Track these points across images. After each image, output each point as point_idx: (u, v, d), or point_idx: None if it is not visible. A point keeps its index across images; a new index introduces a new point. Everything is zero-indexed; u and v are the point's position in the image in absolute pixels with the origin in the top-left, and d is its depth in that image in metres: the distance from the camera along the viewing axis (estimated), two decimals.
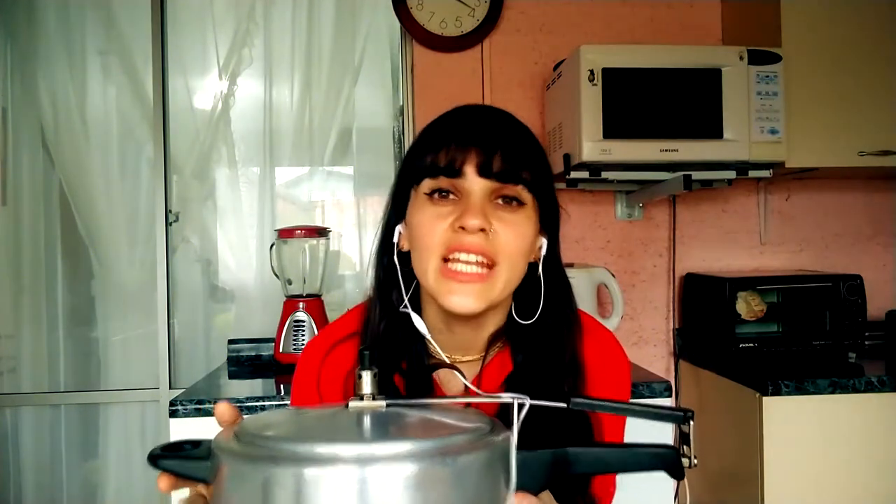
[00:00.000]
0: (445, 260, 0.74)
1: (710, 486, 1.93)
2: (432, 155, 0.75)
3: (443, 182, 0.74)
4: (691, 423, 0.54)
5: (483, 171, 0.73)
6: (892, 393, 1.66)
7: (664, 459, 0.52)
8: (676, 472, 0.53)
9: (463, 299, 0.73)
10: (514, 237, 0.74)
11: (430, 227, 0.74)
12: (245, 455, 0.46)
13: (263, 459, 0.45)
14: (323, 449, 0.45)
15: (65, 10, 2.24)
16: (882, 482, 1.66)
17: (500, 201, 0.75)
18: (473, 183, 0.73)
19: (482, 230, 0.72)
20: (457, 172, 0.73)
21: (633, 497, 0.96)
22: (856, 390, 1.66)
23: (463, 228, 0.72)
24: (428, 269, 0.74)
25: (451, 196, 0.74)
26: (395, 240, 0.79)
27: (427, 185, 0.75)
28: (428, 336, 0.78)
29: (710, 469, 1.94)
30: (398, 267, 0.79)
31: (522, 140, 0.78)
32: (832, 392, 1.65)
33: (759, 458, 1.65)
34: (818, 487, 1.65)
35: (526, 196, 0.75)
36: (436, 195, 0.75)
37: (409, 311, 0.78)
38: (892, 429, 1.66)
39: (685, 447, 0.53)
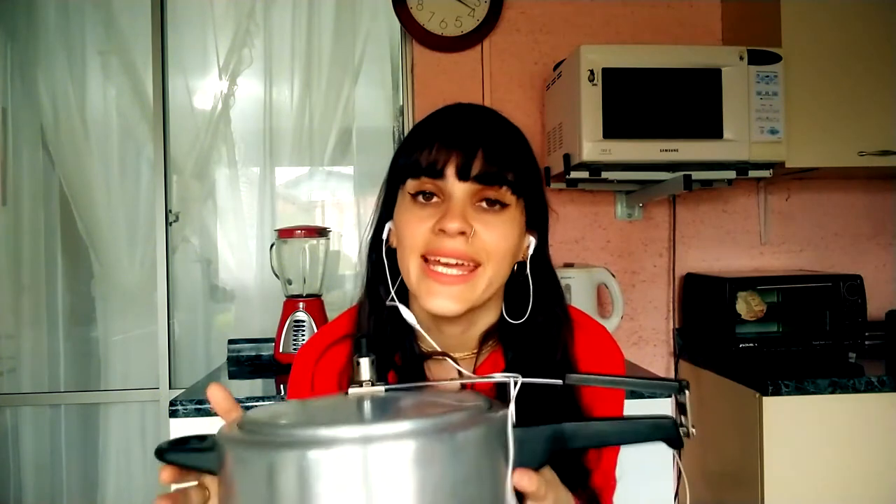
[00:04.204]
0: (426, 260, 0.73)
1: (710, 486, 1.93)
2: (416, 155, 0.74)
3: (426, 183, 0.74)
4: (687, 392, 0.54)
5: (462, 174, 0.72)
6: (892, 393, 1.65)
7: (662, 429, 0.52)
8: (675, 442, 0.53)
9: (443, 301, 0.73)
10: (496, 239, 0.73)
11: (412, 228, 0.74)
12: (249, 442, 0.48)
13: (267, 445, 0.46)
14: (325, 432, 0.46)
15: (65, 10, 2.24)
16: (882, 482, 1.66)
17: (483, 204, 0.74)
18: (454, 185, 0.73)
19: (462, 233, 0.71)
20: (438, 173, 0.73)
21: (634, 496, 0.96)
22: (856, 390, 1.66)
23: (443, 231, 0.71)
24: (410, 269, 0.75)
25: (435, 199, 0.74)
26: (385, 235, 0.80)
27: (411, 185, 0.75)
28: (417, 326, 0.77)
29: (710, 469, 1.94)
30: (386, 262, 0.79)
31: (507, 140, 0.77)
32: (832, 392, 1.65)
33: (759, 458, 1.64)
34: (818, 487, 1.65)
35: (509, 198, 0.74)
36: (420, 196, 0.74)
37: (397, 303, 0.78)
38: (892, 429, 1.66)
39: (682, 417, 0.53)
